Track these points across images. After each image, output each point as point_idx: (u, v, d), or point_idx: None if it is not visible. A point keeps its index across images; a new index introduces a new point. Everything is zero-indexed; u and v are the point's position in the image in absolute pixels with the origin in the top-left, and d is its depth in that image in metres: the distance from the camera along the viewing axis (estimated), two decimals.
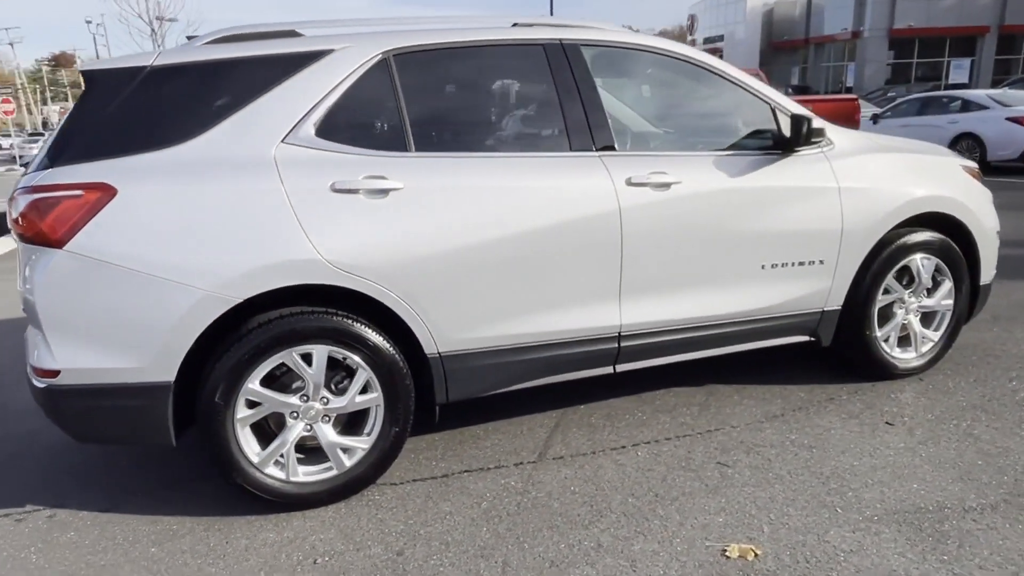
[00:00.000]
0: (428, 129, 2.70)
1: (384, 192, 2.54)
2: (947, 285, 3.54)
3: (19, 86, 65.29)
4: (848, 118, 10.16)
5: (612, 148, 2.89)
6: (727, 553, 2.27)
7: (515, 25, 2.98)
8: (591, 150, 2.85)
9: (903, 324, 3.51)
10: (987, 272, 3.65)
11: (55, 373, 2.35)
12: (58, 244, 2.29)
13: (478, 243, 2.65)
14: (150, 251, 2.33)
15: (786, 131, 3.10)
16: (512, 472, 2.85)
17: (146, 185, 2.35)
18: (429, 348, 2.68)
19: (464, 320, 2.70)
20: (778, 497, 2.58)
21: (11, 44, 52.38)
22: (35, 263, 2.34)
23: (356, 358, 2.58)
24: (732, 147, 3.13)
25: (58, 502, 2.77)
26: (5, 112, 25.17)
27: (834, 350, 3.52)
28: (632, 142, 3.17)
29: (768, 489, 2.63)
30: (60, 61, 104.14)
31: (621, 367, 3.05)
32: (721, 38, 41.23)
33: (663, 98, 3.52)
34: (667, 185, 2.90)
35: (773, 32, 39.99)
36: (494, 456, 2.99)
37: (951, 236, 3.50)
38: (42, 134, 42.39)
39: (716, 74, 3.15)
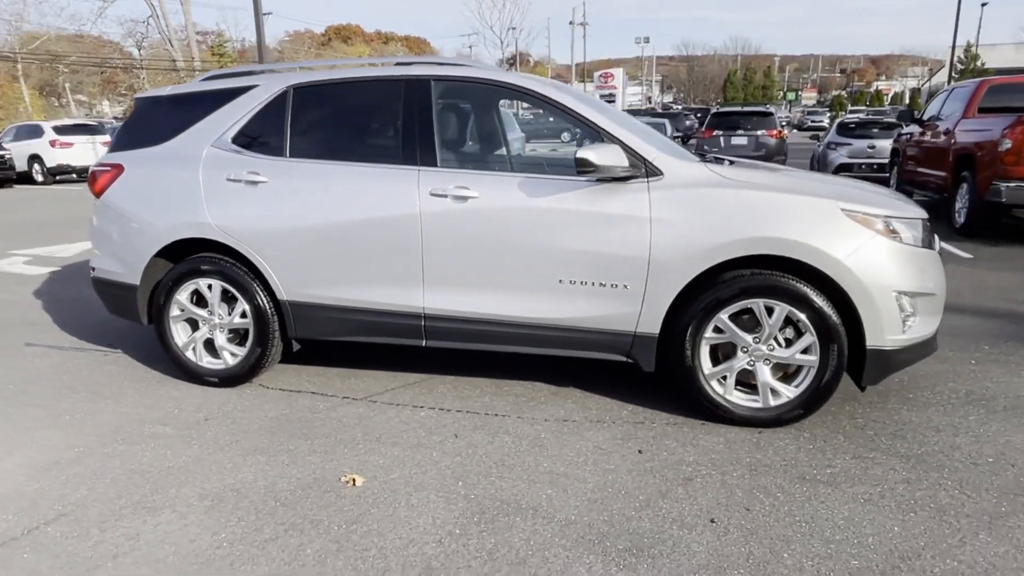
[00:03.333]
0: (302, 141, 3.79)
1: (255, 183, 3.74)
2: (807, 339, 3.25)
3: None
4: None
5: (434, 164, 3.57)
6: (342, 477, 2.97)
7: (397, 64, 3.83)
8: (414, 164, 3.59)
9: (748, 370, 3.36)
10: (878, 335, 3.19)
11: (94, 269, 4.16)
12: (98, 196, 4.06)
13: (315, 226, 3.67)
14: (133, 206, 3.95)
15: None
16: (333, 402, 3.81)
17: (137, 166, 3.97)
18: (280, 295, 3.81)
19: (302, 279, 3.75)
20: (442, 463, 3.08)
21: (470, 47, 64.22)
22: (92, 206, 4.16)
23: (236, 293, 3.85)
24: (551, 170, 3.48)
25: (131, 352, 4.66)
26: None
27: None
28: (456, 159, 3.71)
29: (449, 456, 3.14)
30: (515, 61, 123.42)
31: (430, 343, 3.72)
32: None
33: (500, 123, 3.91)
34: (465, 198, 3.48)
35: None
36: (345, 390, 3.97)
37: (826, 287, 3.21)
38: None
39: (554, 105, 3.51)
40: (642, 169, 3.35)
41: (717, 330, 3.34)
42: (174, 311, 3.98)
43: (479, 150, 3.89)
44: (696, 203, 3.28)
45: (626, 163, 3.30)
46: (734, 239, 3.21)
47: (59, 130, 19.49)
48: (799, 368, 3.33)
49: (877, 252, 3.18)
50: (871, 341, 3.21)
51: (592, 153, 3.21)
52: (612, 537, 2.52)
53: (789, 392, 3.33)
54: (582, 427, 3.43)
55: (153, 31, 41.66)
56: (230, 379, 3.98)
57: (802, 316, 3.23)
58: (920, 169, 10.60)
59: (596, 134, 3.44)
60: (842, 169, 14.28)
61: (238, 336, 4.01)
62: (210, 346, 4.02)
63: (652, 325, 3.40)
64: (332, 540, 2.53)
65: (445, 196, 3.50)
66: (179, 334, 4.03)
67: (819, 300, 3.19)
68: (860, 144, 14.44)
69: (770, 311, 3.26)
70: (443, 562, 2.40)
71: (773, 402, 3.35)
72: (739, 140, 14.31)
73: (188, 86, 4.14)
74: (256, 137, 3.85)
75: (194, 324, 4.04)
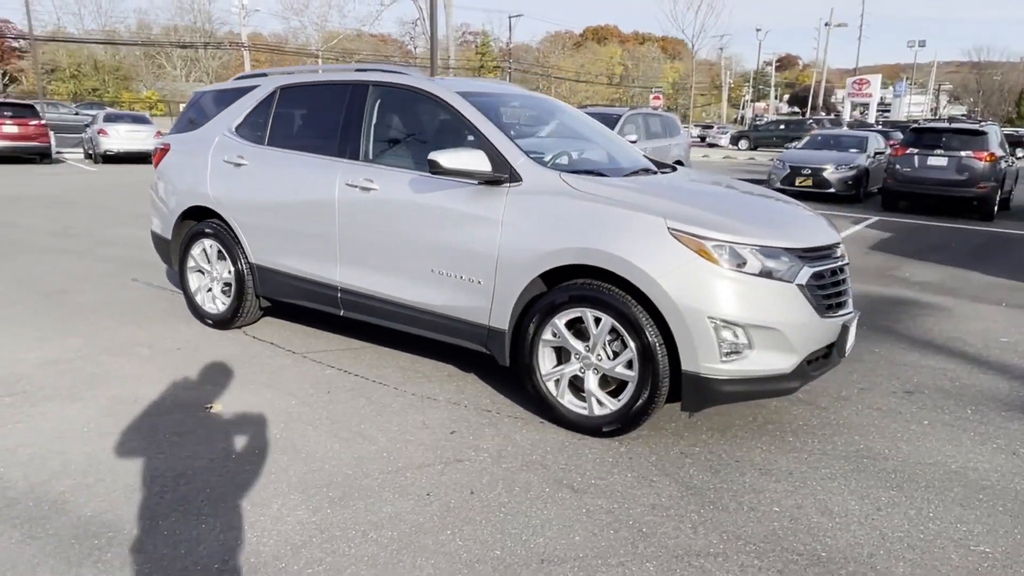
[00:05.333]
0: (278, 133, 4.55)
1: (239, 165, 4.59)
2: (628, 354, 3.26)
3: (727, 83, 77.05)
4: None
5: (356, 158, 4.12)
6: (209, 404, 3.67)
7: (357, 70, 4.41)
8: (344, 157, 4.16)
9: (580, 377, 3.44)
10: (692, 360, 3.10)
11: (153, 227, 5.35)
12: (156, 167, 5.22)
13: (273, 203, 4.43)
14: (171, 177, 5.05)
15: None
16: (277, 352, 4.54)
17: (179, 146, 5.05)
18: (250, 258, 4.63)
19: (264, 247, 4.53)
20: (289, 410, 3.64)
21: (721, 49, 62.02)
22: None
23: (226, 253, 4.76)
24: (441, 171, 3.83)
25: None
26: (653, 106, 32.21)
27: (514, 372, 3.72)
28: (373, 155, 4.13)
29: (303, 405, 3.69)
30: (784, 63, 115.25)
31: (346, 313, 4.27)
32: None
33: (412, 125, 4.20)
34: (368, 190, 3.97)
35: None
36: (296, 345, 4.68)
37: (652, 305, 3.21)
38: (711, 127, 50.24)
39: (450, 109, 3.85)
40: (507, 175, 3.57)
41: (556, 334, 3.46)
42: (190, 263, 5.00)
43: (399, 148, 4.28)
44: (537, 210, 3.44)
45: (488, 168, 3.54)
46: (564, 247, 3.32)
47: None
48: (626, 383, 3.33)
49: (698, 275, 3.08)
50: (686, 365, 3.13)
51: (442, 156, 3.52)
52: (316, 486, 2.89)
53: (612, 405, 3.35)
54: (434, 405, 3.76)
55: (419, 31, 46.80)
56: (220, 323, 4.91)
57: (624, 330, 3.24)
58: None
59: (477, 138, 3.72)
60: None
61: (229, 288, 4.91)
62: (210, 293, 4.99)
63: (502, 321, 3.61)
64: (144, 440, 3.24)
65: (355, 187, 4.03)
66: (193, 281, 5.05)
67: (640, 316, 3.19)
68: None
69: (598, 321, 3.32)
70: (181, 470, 2.97)
71: (597, 411, 3.39)
72: (936, 161, 12.56)
73: (222, 84, 5.13)
74: (250, 128, 4.70)
75: (202, 274, 5.03)
